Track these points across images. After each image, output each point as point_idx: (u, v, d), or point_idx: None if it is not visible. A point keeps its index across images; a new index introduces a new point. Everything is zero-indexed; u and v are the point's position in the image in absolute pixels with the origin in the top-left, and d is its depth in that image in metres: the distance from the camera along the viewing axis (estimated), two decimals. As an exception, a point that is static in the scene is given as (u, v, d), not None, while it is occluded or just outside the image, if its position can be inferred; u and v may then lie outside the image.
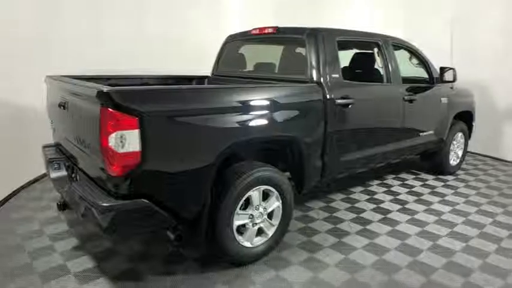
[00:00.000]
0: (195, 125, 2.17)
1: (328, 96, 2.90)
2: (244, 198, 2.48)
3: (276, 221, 2.73)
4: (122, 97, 1.93)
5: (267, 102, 2.54)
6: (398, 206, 3.63)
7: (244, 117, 2.40)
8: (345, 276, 2.48)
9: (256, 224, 2.60)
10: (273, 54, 3.71)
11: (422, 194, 3.97)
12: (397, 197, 3.88)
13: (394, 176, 4.57)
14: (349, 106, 3.07)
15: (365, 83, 3.42)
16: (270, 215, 2.71)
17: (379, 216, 3.39)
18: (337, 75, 3.05)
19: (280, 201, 2.71)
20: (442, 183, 4.34)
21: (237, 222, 2.48)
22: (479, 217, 3.41)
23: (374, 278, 2.47)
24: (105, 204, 1.98)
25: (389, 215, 3.42)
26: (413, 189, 4.11)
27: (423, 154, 4.49)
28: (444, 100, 4.25)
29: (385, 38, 3.69)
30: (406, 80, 3.80)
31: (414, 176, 4.58)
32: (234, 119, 2.34)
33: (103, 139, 1.94)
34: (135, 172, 1.99)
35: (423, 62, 4.17)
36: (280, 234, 2.77)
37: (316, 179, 3.04)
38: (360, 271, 2.54)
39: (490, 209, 3.60)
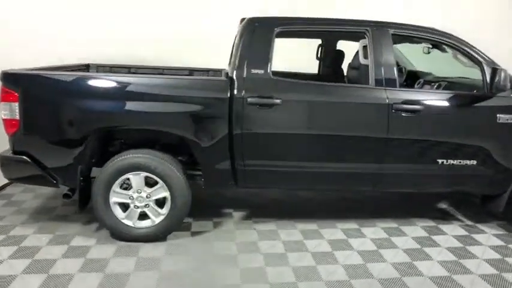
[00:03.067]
0: (62, 105, 2.59)
1: (236, 94, 2.63)
2: (121, 179, 2.69)
3: (164, 211, 2.78)
4: (7, 77, 2.58)
5: (147, 93, 2.61)
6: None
7: (114, 104, 2.60)
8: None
9: (138, 207, 2.76)
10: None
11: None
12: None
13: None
14: (272, 107, 2.65)
15: (316, 82, 2.82)
16: (161, 204, 2.79)
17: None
18: (261, 71, 2.68)
19: (168, 192, 2.74)
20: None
21: (114, 198, 2.73)
22: None
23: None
24: (1, 155, 2.73)
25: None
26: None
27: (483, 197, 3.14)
28: (507, 119, 2.81)
29: (381, 27, 2.82)
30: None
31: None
32: (102, 105, 2.59)
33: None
34: (18, 134, 2.62)
35: (473, 61, 2.88)
36: (169, 224, 2.80)
37: (227, 182, 2.82)
38: None
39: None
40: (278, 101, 2.65)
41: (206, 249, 2.75)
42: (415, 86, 3.70)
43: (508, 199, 3.01)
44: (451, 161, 2.87)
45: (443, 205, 3.67)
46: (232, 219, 3.23)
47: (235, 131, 2.66)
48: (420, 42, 3.17)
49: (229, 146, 2.69)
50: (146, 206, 2.76)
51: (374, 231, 3.07)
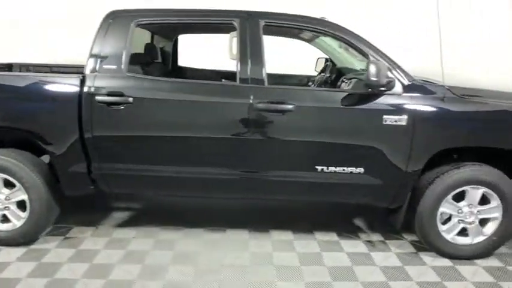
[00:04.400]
0: None
1: (85, 92, 2.46)
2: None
3: (25, 214, 2.66)
4: None
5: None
6: None
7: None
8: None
9: (-1, 208, 2.66)
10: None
11: None
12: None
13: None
14: (123, 106, 2.45)
15: (174, 79, 2.59)
16: (25, 207, 2.67)
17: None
18: (113, 67, 2.49)
19: (27, 195, 2.61)
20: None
21: (-28, 199, 2.64)
22: None
23: None
24: None
25: None
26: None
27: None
28: (396, 120, 2.43)
29: (251, 17, 2.53)
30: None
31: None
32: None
33: None
34: None
35: (361, 54, 2.53)
36: (29, 229, 2.66)
37: (86, 186, 2.65)
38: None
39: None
40: (130, 99, 2.45)
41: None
42: (339, 83, 3.36)
43: (408, 213, 2.63)
44: (332, 168, 2.53)
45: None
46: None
47: (86, 131, 2.48)
48: (300, 33, 2.84)
49: (83, 147, 2.52)
50: (6, 208, 2.66)
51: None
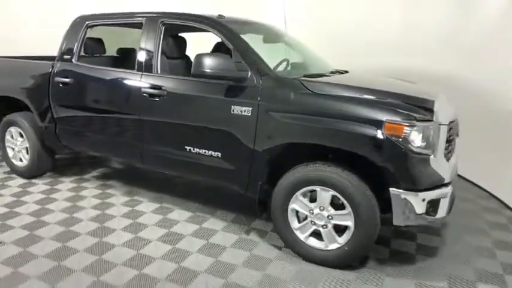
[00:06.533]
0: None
1: (51, 74, 3.46)
2: None
3: (28, 157, 3.89)
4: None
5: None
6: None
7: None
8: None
9: None
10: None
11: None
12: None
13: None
14: (67, 86, 3.37)
15: (99, 66, 3.32)
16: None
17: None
18: (68, 57, 3.42)
19: (28, 144, 3.83)
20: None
21: None
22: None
23: None
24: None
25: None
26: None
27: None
28: (242, 111, 2.55)
29: (153, 17, 3.04)
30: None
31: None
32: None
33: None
34: None
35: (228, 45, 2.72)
36: (32, 167, 3.88)
37: (55, 142, 3.66)
38: None
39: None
40: (71, 80, 3.34)
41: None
42: None
43: (260, 203, 2.68)
44: (197, 150, 2.82)
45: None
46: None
47: (52, 101, 3.50)
48: (195, 31, 3.09)
49: (51, 112, 3.54)
50: (19, 152, 3.94)
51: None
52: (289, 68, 3.21)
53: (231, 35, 2.75)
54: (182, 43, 3.42)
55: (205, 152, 2.80)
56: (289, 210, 2.55)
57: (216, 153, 2.75)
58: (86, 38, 3.42)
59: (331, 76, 2.96)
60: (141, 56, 3.04)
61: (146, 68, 3.00)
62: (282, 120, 2.45)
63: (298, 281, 2.36)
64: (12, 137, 3.97)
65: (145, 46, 3.03)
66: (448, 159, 2.42)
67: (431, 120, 2.27)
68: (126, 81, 3.09)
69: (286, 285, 2.32)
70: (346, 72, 3.25)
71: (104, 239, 2.77)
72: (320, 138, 2.38)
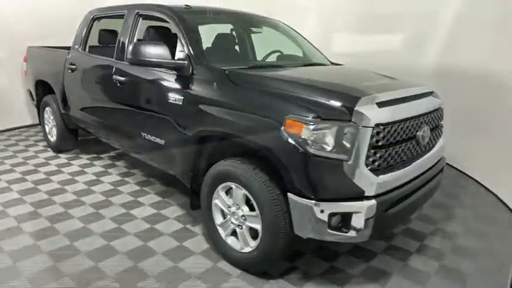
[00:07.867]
0: None
1: (65, 61, 3.92)
2: None
3: (55, 132, 4.50)
4: None
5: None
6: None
7: None
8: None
9: None
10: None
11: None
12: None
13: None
14: (74, 71, 3.77)
15: (96, 56, 3.58)
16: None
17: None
18: (76, 46, 3.84)
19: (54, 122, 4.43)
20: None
21: None
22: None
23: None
24: None
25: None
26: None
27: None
28: (175, 100, 2.54)
29: (131, 9, 3.21)
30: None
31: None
32: None
33: None
34: None
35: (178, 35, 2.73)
36: (58, 142, 4.48)
37: (71, 122, 4.14)
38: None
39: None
40: (75, 67, 3.74)
41: None
42: None
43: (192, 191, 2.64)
44: (149, 136, 2.90)
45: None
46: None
47: (65, 86, 3.97)
48: (162, 21, 3.08)
49: (63, 95, 4.04)
50: (52, 127, 4.57)
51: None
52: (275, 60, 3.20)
53: (180, 24, 2.75)
54: (157, 33, 3.36)
55: (154, 139, 2.87)
56: (213, 204, 2.46)
57: (162, 140, 2.80)
58: (100, 30, 3.78)
59: (293, 69, 2.75)
60: (119, 45, 3.24)
61: (121, 56, 3.19)
62: (204, 109, 2.37)
63: (202, 280, 2.28)
64: (47, 116, 4.63)
65: (122, 36, 3.23)
66: (393, 169, 2.06)
67: (349, 121, 1.94)
68: (105, 69, 3.34)
69: (194, 281, 2.27)
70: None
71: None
72: (225, 129, 2.25)
